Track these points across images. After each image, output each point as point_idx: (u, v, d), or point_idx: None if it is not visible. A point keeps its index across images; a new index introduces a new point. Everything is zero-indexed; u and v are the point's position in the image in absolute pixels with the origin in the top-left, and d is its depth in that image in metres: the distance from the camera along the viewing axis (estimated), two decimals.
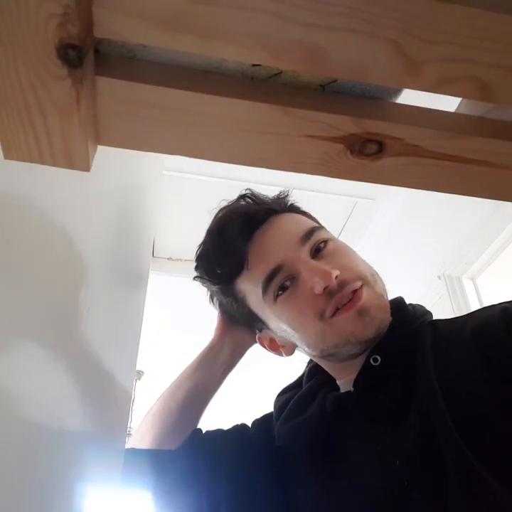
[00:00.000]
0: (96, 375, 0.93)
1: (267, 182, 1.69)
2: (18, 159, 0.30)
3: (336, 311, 0.57)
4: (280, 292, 0.60)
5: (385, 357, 0.58)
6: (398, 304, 0.65)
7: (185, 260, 2.28)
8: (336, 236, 0.70)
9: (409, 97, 0.37)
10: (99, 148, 0.33)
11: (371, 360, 0.58)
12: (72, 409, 0.81)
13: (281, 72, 0.32)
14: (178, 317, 2.66)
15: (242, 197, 0.67)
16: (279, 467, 0.66)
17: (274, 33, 0.26)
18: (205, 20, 0.25)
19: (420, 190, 0.38)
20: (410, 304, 0.67)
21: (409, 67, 0.28)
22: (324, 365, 0.67)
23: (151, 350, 2.85)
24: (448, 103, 0.38)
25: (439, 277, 1.91)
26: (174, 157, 0.34)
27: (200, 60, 0.31)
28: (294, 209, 0.68)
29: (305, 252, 0.60)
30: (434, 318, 0.65)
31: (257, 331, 0.71)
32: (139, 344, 0.99)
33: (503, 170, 0.36)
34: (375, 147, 0.33)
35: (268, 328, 0.67)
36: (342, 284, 0.57)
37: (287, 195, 0.68)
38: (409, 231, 2.08)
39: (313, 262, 0.58)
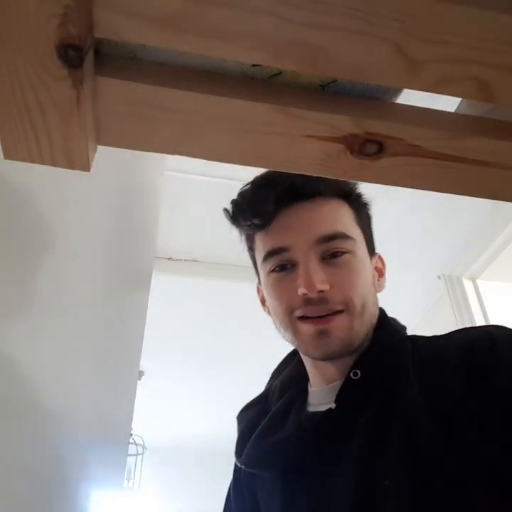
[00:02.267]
0: (98, 375, 0.93)
1: None
2: (18, 159, 0.30)
3: (305, 317, 0.58)
4: (276, 269, 0.62)
5: (365, 371, 0.58)
6: (381, 317, 0.65)
7: (185, 260, 2.28)
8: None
9: (409, 97, 0.37)
10: (100, 148, 0.33)
11: (351, 374, 0.58)
12: (74, 410, 0.81)
13: (281, 73, 0.32)
14: (178, 317, 2.66)
15: None
16: (251, 490, 0.66)
17: (274, 33, 0.26)
18: (205, 20, 0.25)
19: (420, 190, 0.38)
20: (390, 317, 0.67)
21: (409, 67, 0.28)
22: (302, 357, 0.67)
23: (152, 350, 2.85)
24: (448, 103, 0.38)
25: (439, 277, 1.90)
26: (174, 157, 0.34)
27: (200, 60, 0.31)
28: (349, 200, 0.65)
29: (316, 251, 0.59)
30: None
31: (258, 280, 0.73)
32: (141, 344, 0.99)
33: (503, 170, 0.36)
34: (375, 147, 0.33)
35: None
36: (323, 301, 0.57)
37: (355, 183, 0.66)
38: (409, 231, 2.08)
39: (313, 264, 0.58)
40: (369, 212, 0.69)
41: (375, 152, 0.33)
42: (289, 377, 0.70)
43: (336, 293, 0.58)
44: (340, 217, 0.63)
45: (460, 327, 1.85)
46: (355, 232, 0.63)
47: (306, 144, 0.33)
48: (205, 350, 2.86)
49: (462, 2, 0.25)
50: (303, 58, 0.27)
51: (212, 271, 2.22)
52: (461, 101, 0.38)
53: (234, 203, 0.67)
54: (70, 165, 0.31)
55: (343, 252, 0.60)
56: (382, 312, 0.66)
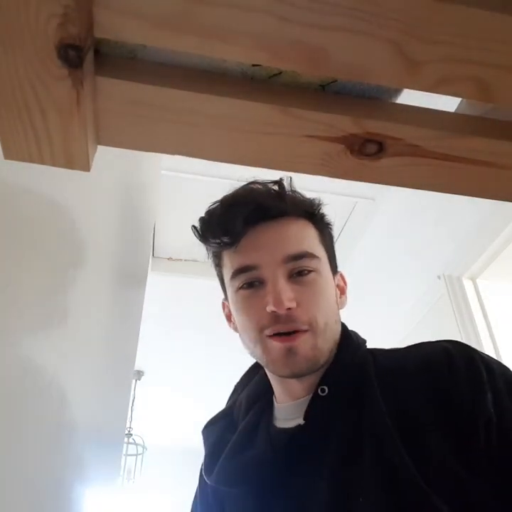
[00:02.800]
0: (93, 374, 0.92)
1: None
2: (18, 159, 0.30)
3: (273, 335, 0.60)
4: (244, 286, 0.63)
5: (332, 388, 0.60)
6: (343, 333, 0.66)
7: (185, 260, 2.28)
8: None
9: (409, 97, 0.37)
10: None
11: (319, 391, 0.60)
12: (69, 409, 0.81)
13: (281, 73, 0.32)
14: (178, 317, 2.66)
15: (276, 182, 0.68)
16: (219, 504, 0.67)
17: (274, 33, 0.26)
18: (205, 20, 0.25)
19: (420, 190, 0.38)
20: (351, 331, 0.69)
21: (409, 67, 0.28)
22: (267, 373, 0.68)
23: (151, 350, 2.85)
24: (448, 103, 0.38)
25: (439, 277, 1.90)
26: (174, 157, 0.34)
27: (200, 60, 0.31)
28: (313, 220, 0.68)
29: (284, 269, 0.61)
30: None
31: (224, 296, 0.74)
32: (137, 343, 0.99)
33: (503, 170, 0.36)
34: (375, 147, 0.33)
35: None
36: (290, 319, 0.59)
37: (319, 204, 0.69)
38: (409, 231, 2.08)
39: (281, 282, 0.60)
40: (331, 231, 0.72)
41: (375, 152, 0.33)
42: (254, 391, 0.72)
43: (302, 312, 0.60)
44: (306, 237, 0.65)
45: (460, 327, 1.84)
46: (320, 251, 0.66)
47: (306, 144, 0.33)
48: (205, 350, 2.86)
49: (462, 2, 0.25)
50: (303, 58, 0.27)
51: (212, 271, 2.22)
52: (461, 101, 0.38)
53: (202, 220, 0.69)
54: (70, 165, 0.31)
55: (309, 271, 0.62)
56: (344, 327, 0.68)
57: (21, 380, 0.78)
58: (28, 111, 0.27)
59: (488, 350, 1.56)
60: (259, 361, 0.66)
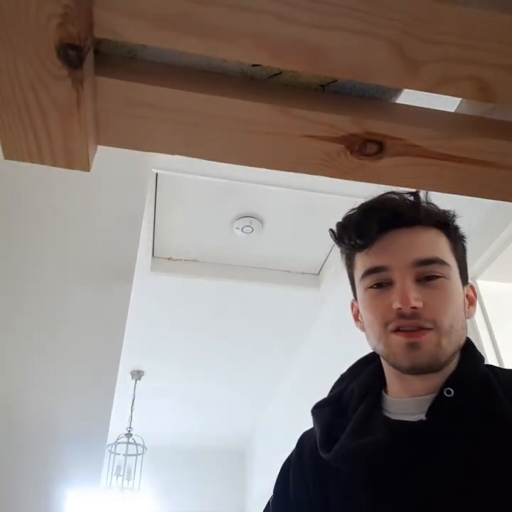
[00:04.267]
0: (77, 374, 0.92)
1: (267, 182, 1.68)
2: (17, 159, 0.30)
3: (397, 330, 0.63)
4: (374, 285, 0.67)
5: (458, 391, 0.62)
6: (467, 345, 0.69)
7: (185, 260, 2.27)
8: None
9: (409, 97, 0.37)
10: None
11: (445, 392, 0.62)
12: (52, 411, 0.81)
13: (281, 72, 0.32)
14: (178, 317, 2.66)
15: (412, 194, 0.72)
16: (318, 484, 0.70)
17: (274, 33, 0.26)
18: (205, 20, 0.25)
19: (420, 190, 0.38)
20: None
21: (409, 67, 0.28)
22: (386, 368, 0.71)
23: (151, 350, 2.85)
24: (448, 103, 0.38)
25: None
26: (174, 156, 0.34)
27: (200, 60, 0.31)
28: (446, 231, 0.71)
29: (413, 272, 0.65)
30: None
31: (354, 297, 0.79)
32: (121, 343, 0.98)
33: (503, 170, 0.36)
34: (375, 147, 0.33)
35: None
36: (415, 316, 0.63)
37: (453, 216, 0.74)
38: None
39: (409, 284, 0.63)
40: (465, 244, 0.76)
41: (375, 152, 0.33)
42: (366, 383, 0.75)
43: (428, 312, 0.63)
44: (437, 245, 0.69)
45: None
46: (451, 260, 0.69)
47: (306, 144, 0.33)
48: (205, 350, 2.86)
49: (462, 2, 0.25)
50: (303, 58, 0.27)
51: (212, 271, 2.22)
52: (461, 101, 0.38)
53: (339, 224, 0.73)
54: (70, 165, 0.31)
55: (438, 276, 0.66)
56: (468, 340, 0.71)
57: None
58: (28, 111, 0.27)
59: (488, 350, 1.56)
60: (382, 355, 0.69)
